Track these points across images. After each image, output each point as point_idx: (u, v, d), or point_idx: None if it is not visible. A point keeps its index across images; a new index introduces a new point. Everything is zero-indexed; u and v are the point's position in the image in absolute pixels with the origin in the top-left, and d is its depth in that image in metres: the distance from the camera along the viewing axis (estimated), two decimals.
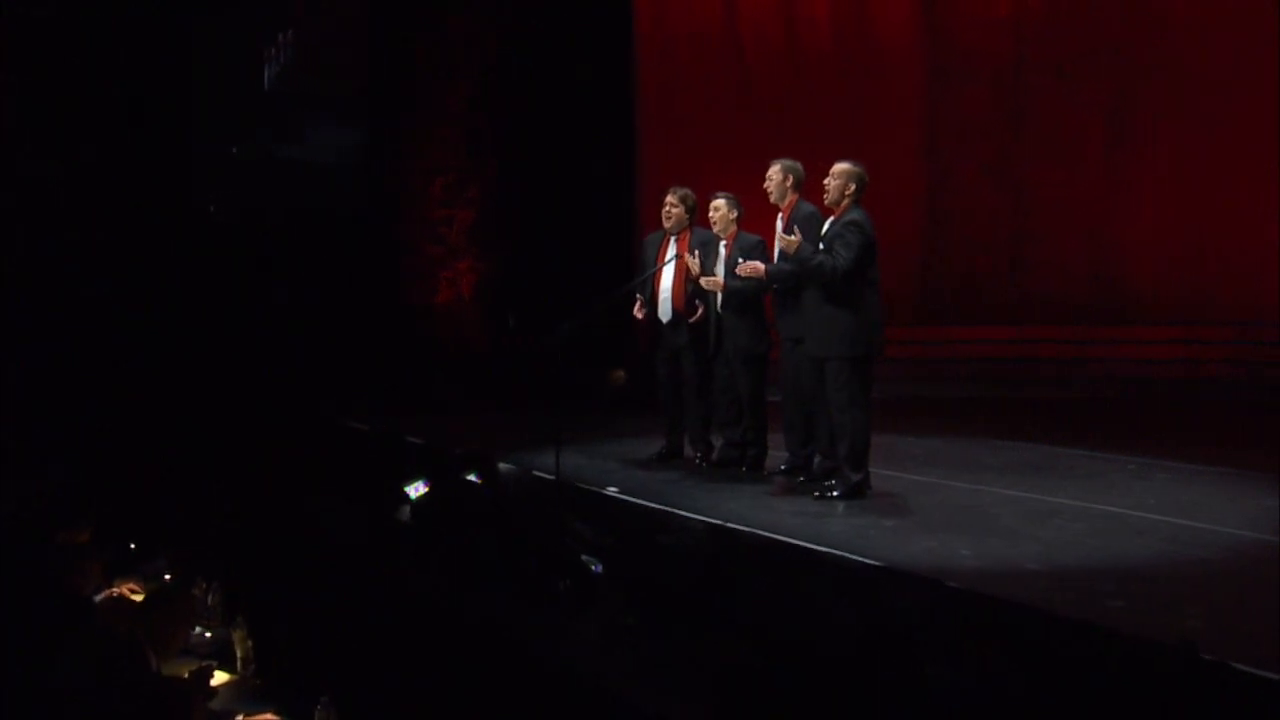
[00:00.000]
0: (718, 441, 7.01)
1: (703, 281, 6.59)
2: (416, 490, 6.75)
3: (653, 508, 5.82)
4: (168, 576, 6.24)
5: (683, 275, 6.86)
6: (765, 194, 6.48)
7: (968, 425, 8.62)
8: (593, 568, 5.06)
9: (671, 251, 6.93)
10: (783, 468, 6.60)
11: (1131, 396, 10.70)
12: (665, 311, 6.90)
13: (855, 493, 5.90)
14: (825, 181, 6.02)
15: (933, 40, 12.26)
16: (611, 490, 6.27)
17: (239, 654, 4.64)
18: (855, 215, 5.88)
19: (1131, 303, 11.63)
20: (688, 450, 7.15)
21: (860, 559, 4.66)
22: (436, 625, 4.98)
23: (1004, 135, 12.00)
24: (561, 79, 11.45)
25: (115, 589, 5.67)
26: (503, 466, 7.10)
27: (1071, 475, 6.55)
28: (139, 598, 6.50)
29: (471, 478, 7.00)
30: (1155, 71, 11.46)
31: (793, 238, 5.90)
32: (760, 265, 6.23)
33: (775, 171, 6.40)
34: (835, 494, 5.90)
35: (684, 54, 11.86)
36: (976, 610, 4.03)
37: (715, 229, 6.69)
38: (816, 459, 6.37)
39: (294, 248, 12.28)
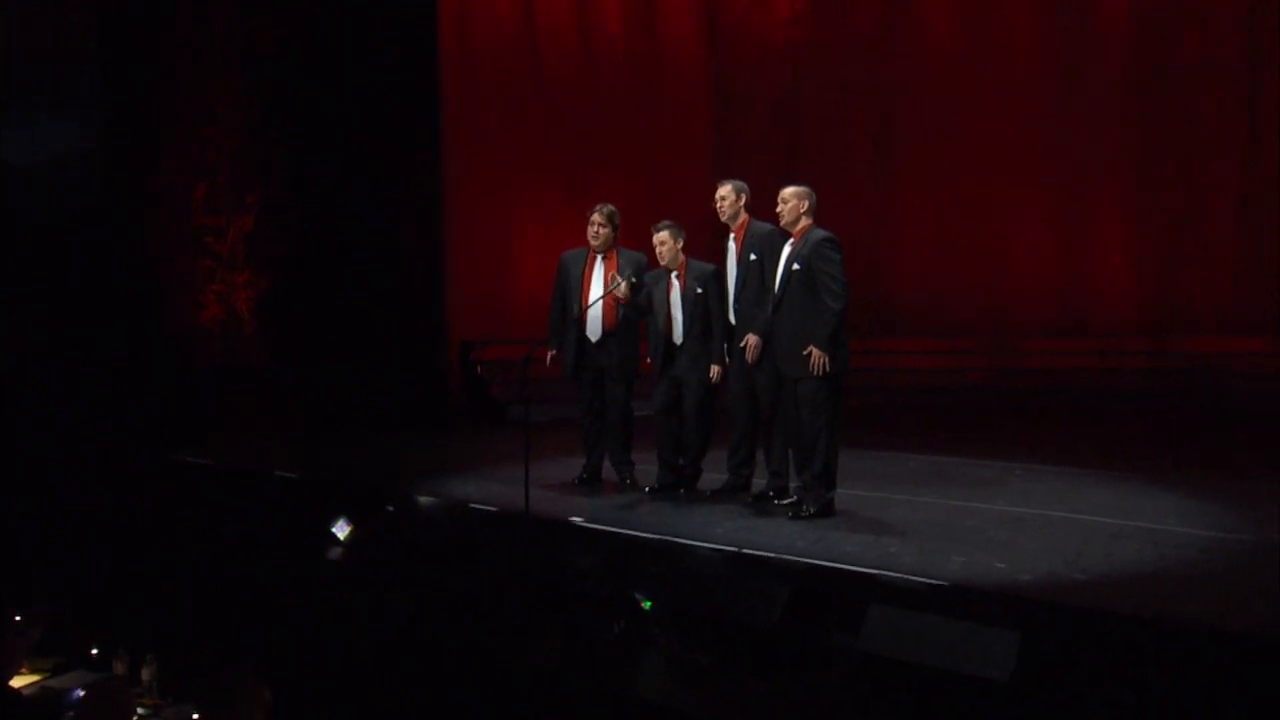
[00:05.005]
0: (636, 461, 6.89)
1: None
2: (343, 530, 6.16)
3: (647, 538, 5.60)
4: (94, 650, 5.35)
5: (613, 296, 6.68)
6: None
7: None
8: (644, 605, 4.82)
9: (599, 271, 6.74)
10: (722, 488, 6.57)
11: (903, 403, 11.50)
12: (594, 331, 6.71)
13: (828, 510, 5.97)
14: (779, 209, 6.15)
15: (717, 65, 12.71)
16: (577, 520, 5.97)
17: None
18: (824, 232, 6.00)
19: (898, 317, 12.52)
20: (606, 472, 6.97)
21: (926, 580, 4.72)
22: (489, 679, 4.56)
23: (785, 158, 12.56)
24: (359, 81, 10.79)
25: None
26: (422, 499, 6.59)
27: (983, 483, 6.97)
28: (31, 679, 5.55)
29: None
30: (917, 102, 12.43)
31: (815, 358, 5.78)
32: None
33: (727, 191, 6.40)
34: (811, 512, 5.94)
35: (485, 65, 11.52)
36: (1096, 626, 4.20)
37: (663, 262, 6.56)
38: (769, 478, 6.39)
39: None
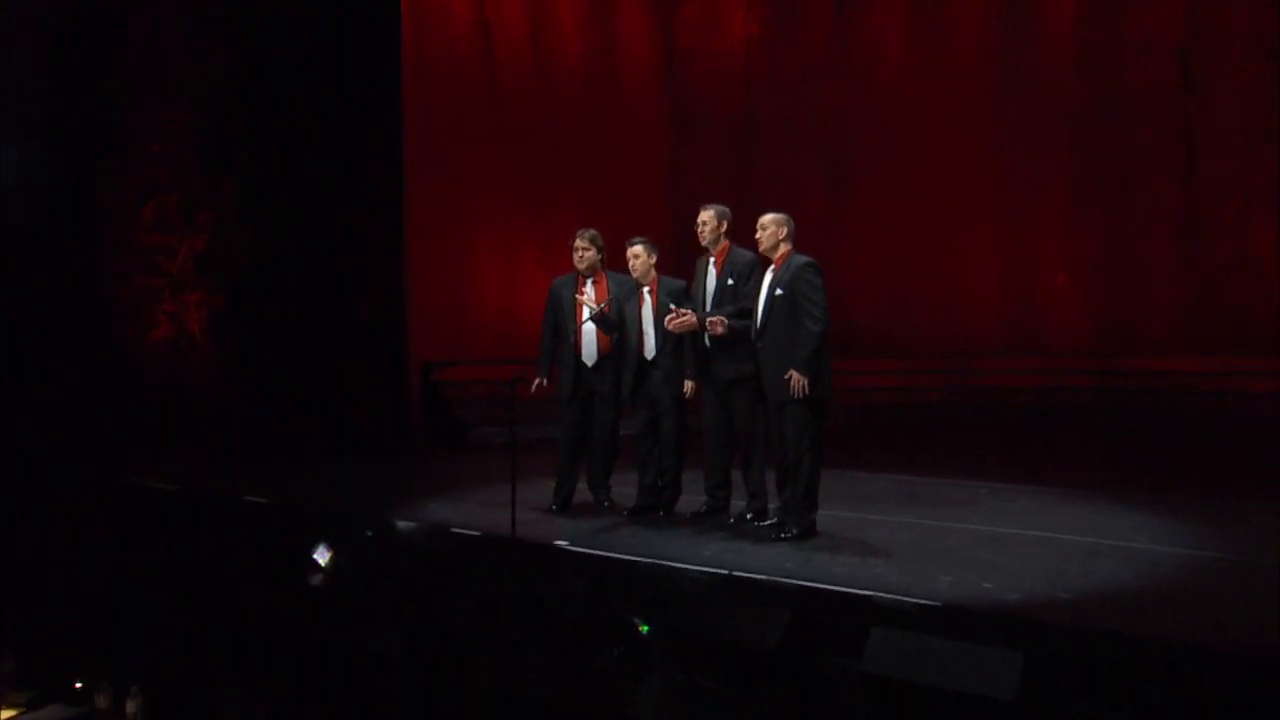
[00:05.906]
0: (613, 484, 6.90)
1: (676, 324, 6.34)
2: (323, 555, 6.09)
3: (636, 561, 5.60)
4: (76, 684, 5.26)
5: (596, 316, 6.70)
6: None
7: None
8: (641, 630, 4.83)
9: (589, 294, 6.78)
10: (701, 510, 6.60)
11: (860, 423, 11.63)
12: (590, 355, 6.75)
13: (810, 532, 6.03)
14: (757, 236, 6.23)
15: (674, 87, 12.83)
16: (563, 544, 5.96)
17: None
18: (805, 258, 6.10)
19: (854, 337, 12.68)
20: (577, 497, 6.97)
21: (919, 601, 4.79)
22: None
23: (740, 178, 12.70)
24: (316, 99, 10.67)
25: None
26: (401, 524, 6.53)
27: (955, 503, 7.09)
28: (8, 713, 5.48)
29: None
30: (869, 126, 12.67)
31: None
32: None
33: (709, 217, 6.45)
34: (793, 533, 5.99)
35: (442, 83, 11.49)
36: (1087, 645, 4.30)
37: (636, 275, 6.62)
38: (747, 500, 6.44)
39: None
